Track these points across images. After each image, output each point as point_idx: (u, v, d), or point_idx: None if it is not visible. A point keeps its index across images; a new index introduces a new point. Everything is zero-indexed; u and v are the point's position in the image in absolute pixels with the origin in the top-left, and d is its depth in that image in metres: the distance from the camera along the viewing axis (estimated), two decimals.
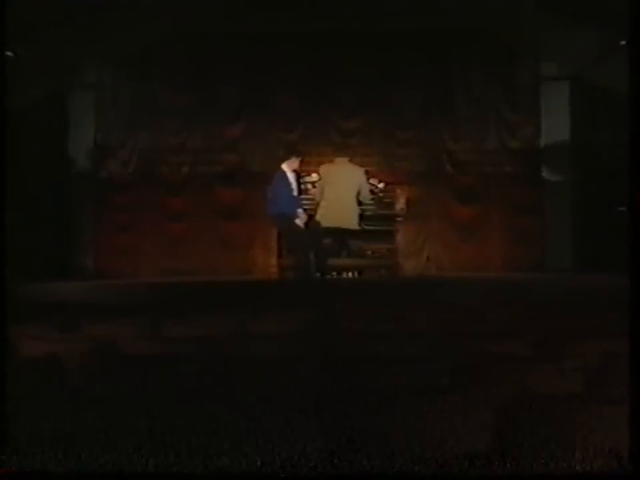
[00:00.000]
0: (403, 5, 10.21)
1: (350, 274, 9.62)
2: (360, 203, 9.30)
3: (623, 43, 8.08)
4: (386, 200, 9.87)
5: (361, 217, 9.29)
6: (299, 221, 8.90)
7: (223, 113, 11.32)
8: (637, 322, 2.52)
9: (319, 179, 9.49)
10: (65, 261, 11.12)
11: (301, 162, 9.24)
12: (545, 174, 11.33)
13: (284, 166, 9.05)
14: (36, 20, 8.22)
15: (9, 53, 7.19)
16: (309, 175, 9.89)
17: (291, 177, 9.03)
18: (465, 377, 2.91)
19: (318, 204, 9.26)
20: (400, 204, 9.70)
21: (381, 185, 9.99)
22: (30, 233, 9.54)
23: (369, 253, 9.70)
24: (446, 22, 10.79)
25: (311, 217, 9.09)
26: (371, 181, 9.96)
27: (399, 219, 9.74)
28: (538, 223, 11.18)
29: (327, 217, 9.05)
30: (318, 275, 8.92)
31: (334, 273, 9.42)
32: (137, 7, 9.60)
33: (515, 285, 8.85)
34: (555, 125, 11.20)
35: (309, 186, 9.85)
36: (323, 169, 9.51)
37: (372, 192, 9.87)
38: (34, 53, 8.85)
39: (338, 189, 9.13)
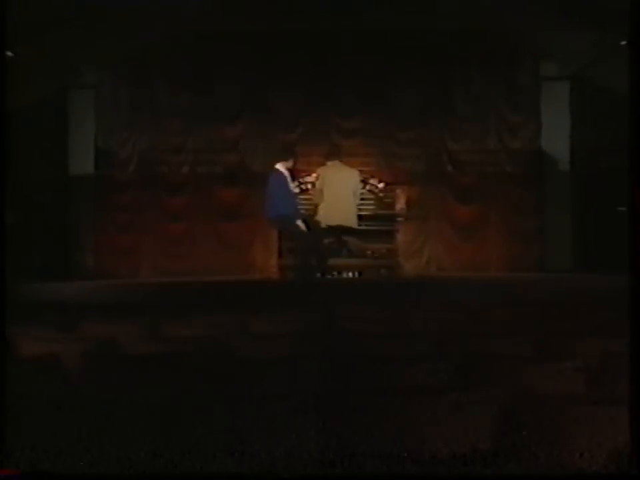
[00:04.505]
0: (403, 4, 10.21)
1: (350, 274, 9.62)
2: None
3: (623, 43, 8.08)
4: (386, 200, 9.87)
5: (360, 216, 9.30)
6: (299, 222, 8.88)
7: (223, 113, 11.33)
8: (637, 322, 2.52)
9: (317, 179, 9.49)
10: (65, 260, 11.12)
11: (295, 162, 9.20)
12: (545, 174, 11.33)
13: (278, 166, 8.99)
14: (36, 20, 8.22)
15: (9, 53, 7.18)
16: (308, 175, 9.89)
17: (287, 176, 8.99)
18: (465, 376, 2.91)
19: (317, 204, 9.26)
20: (400, 204, 9.71)
21: (381, 185, 10.00)
22: (30, 232, 9.54)
23: (369, 252, 9.70)
24: (446, 22, 10.79)
25: (310, 217, 9.08)
26: (371, 180, 9.98)
27: (399, 218, 9.74)
28: (538, 223, 11.18)
29: (327, 217, 9.05)
30: (318, 274, 8.92)
31: (334, 273, 9.42)
32: (138, 7, 9.59)
33: (515, 285, 8.85)
34: (555, 124, 11.20)
35: (309, 186, 9.86)
36: (321, 169, 9.51)
37: (372, 192, 9.88)
38: (34, 53, 8.85)
39: (337, 189, 9.14)
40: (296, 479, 2.05)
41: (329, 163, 9.45)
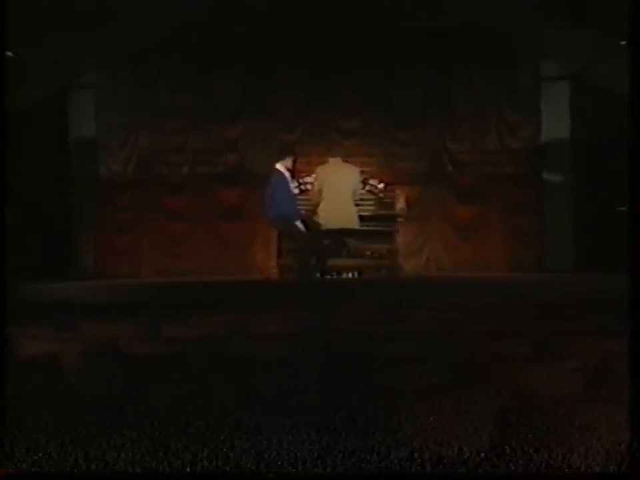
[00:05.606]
0: (403, 5, 10.21)
1: (350, 274, 9.62)
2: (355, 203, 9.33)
3: (623, 43, 8.09)
4: (386, 200, 9.87)
5: (360, 216, 9.29)
6: (299, 222, 8.85)
7: (223, 112, 11.33)
8: (637, 322, 2.52)
9: (316, 179, 9.48)
10: (65, 261, 11.12)
11: (295, 161, 9.15)
12: (545, 174, 11.34)
13: (279, 165, 8.94)
14: (36, 20, 8.22)
15: (9, 53, 7.19)
16: (308, 175, 9.89)
17: (288, 176, 8.94)
18: (465, 376, 2.91)
19: (317, 205, 9.25)
20: (400, 204, 9.71)
21: (381, 185, 9.99)
22: (30, 232, 9.54)
23: (369, 253, 9.69)
24: (446, 22, 10.80)
25: (310, 218, 9.06)
26: (371, 181, 9.97)
27: (399, 219, 9.74)
28: (538, 223, 11.19)
29: (327, 218, 9.04)
30: (318, 275, 8.91)
31: (334, 273, 9.41)
32: (138, 8, 9.60)
33: (515, 285, 8.84)
34: (555, 124, 11.21)
35: (309, 186, 9.85)
36: (320, 169, 9.49)
37: (372, 192, 9.87)
38: (34, 53, 8.85)
39: (336, 189, 9.12)
40: (294, 478, 2.05)
41: (331, 160, 9.43)
